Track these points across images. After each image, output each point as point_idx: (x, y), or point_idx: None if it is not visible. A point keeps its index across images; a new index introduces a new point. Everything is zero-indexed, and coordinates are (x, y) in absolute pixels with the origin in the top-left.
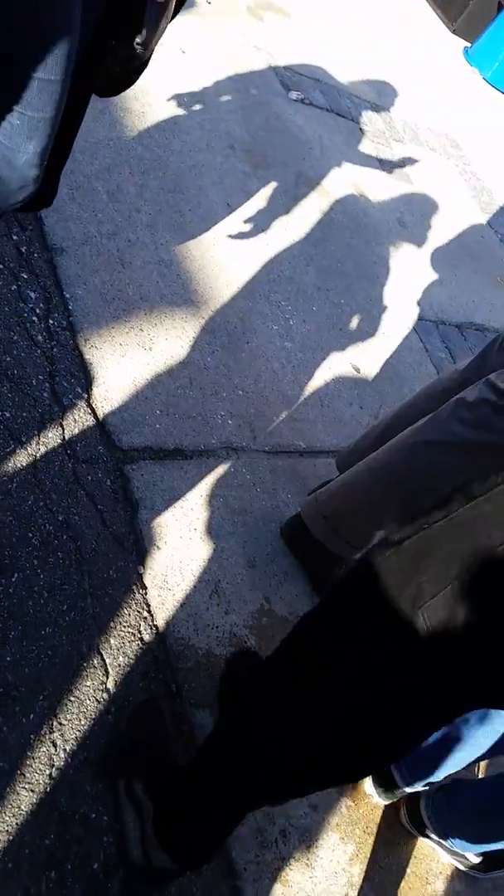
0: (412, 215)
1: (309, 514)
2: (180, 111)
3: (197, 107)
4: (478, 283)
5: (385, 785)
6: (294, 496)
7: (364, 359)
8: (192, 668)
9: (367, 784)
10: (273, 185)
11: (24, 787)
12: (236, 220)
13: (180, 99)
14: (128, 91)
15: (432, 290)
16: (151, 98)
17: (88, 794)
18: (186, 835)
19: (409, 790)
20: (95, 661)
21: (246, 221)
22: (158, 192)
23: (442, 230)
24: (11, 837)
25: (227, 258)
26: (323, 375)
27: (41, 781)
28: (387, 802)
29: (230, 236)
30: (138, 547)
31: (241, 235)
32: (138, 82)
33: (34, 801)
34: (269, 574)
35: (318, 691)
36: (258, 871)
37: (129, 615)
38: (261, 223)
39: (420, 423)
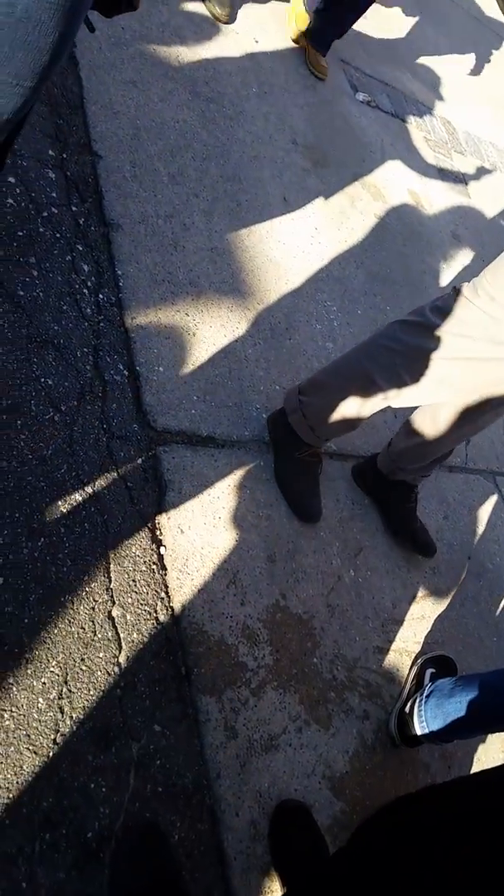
0: (466, 228)
1: (290, 390)
2: (248, 100)
3: (264, 98)
4: None
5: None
6: (323, 498)
7: None
8: (203, 652)
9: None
10: (331, 184)
11: (27, 748)
12: (291, 216)
13: (249, 88)
14: (199, 74)
15: None
16: (220, 84)
17: (90, 764)
18: None
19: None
20: (110, 635)
21: (301, 218)
22: (218, 180)
23: (495, 246)
24: (10, 795)
25: (278, 253)
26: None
27: (45, 745)
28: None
29: (284, 231)
30: (162, 528)
31: (295, 232)
32: (210, 69)
33: (36, 763)
34: (287, 571)
35: None
36: (248, 863)
37: (147, 593)
38: (315, 221)
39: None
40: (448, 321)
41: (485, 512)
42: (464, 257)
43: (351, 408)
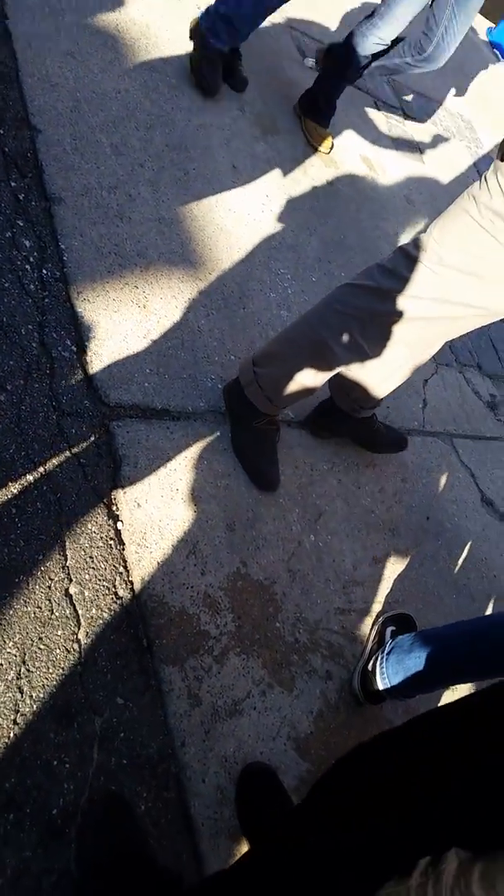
0: (420, 193)
1: (244, 361)
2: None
3: None
4: None
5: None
6: (282, 465)
7: None
8: (164, 624)
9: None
10: (281, 151)
11: None
12: (241, 184)
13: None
14: (140, 43)
15: None
16: (163, 53)
17: (52, 741)
18: None
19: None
20: (68, 612)
21: (251, 185)
22: (163, 149)
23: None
24: None
25: (229, 221)
26: None
27: (5, 726)
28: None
29: (234, 199)
30: (118, 503)
31: (245, 199)
32: (152, 36)
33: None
34: (247, 539)
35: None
36: (215, 827)
37: (105, 569)
38: (266, 189)
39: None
40: (398, 283)
41: (442, 473)
42: (418, 222)
43: (307, 376)
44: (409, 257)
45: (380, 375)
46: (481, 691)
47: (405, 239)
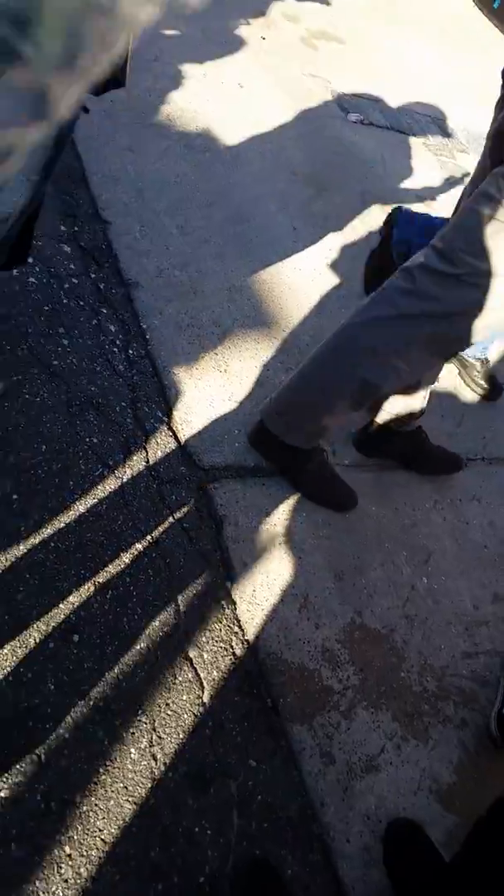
0: None
1: (267, 413)
2: (241, 144)
3: (257, 138)
4: None
5: None
6: (378, 507)
7: None
8: (285, 681)
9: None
10: (338, 204)
11: (127, 801)
12: (302, 243)
13: (241, 132)
14: (191, 128)
15: None
16: (213, 133)
17: (191, 808)
18: None
19: None
20: (190, 676)
21: (312, 243)
22: (224, 224)
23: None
24: (117, 850)
25: (296, 279)
26: None
27: (143, 795)
28: None
29: (297, 258)
30: (225, 563)
31: (309, 256)
32: (201, 121)
33: (138, 813)
34: (357, 588)
35: None
36: (366, 891)
37: (220, 630)
38: (327, 243)
39: (364, 302)
40: (429, 303)
41: None
42: None
43: (349, 412)
44: (434, 273)
45: (421, 392)
46: None
47: None
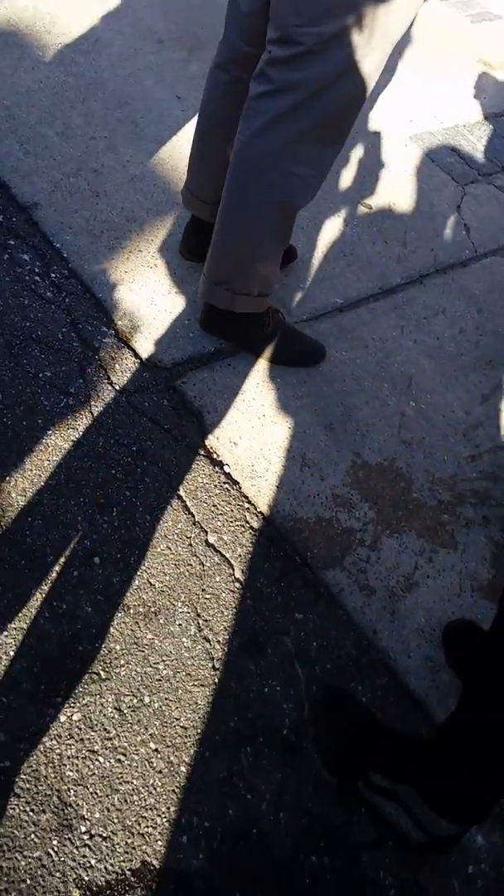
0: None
1: (206, 291)
2: (95, 28)
3: (110, 17)
4: (456, 74)
5: None
6: (348, 351)
7: (372, 193)
8: (308, 536)
9: None
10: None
11: (193, 685)
12: (191, 108)
13: (90, 16)
14: (38, 28)
15: (416, 101)
16: (63, 26)
17: (255, 672)
18: (465, 801)
19: None
20: (216, 559)
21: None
22: (105, 114)
23: (420, 46)
24: (199, 731)
25: None
26: (336, 226)
27: (207, 675)
28: None
29: (190, 126)
30: (216, 449)
31: None
32: (45, 15)
33: (207, 693)
34: (350, 431)
35: None
36: (439, 694)
37: (232, 510)
38: None
39: (239, 127)
40: (298, 91)
41: None
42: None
43: (278, 244)
44: (283, 61)
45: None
46: None
47: (378, 85)
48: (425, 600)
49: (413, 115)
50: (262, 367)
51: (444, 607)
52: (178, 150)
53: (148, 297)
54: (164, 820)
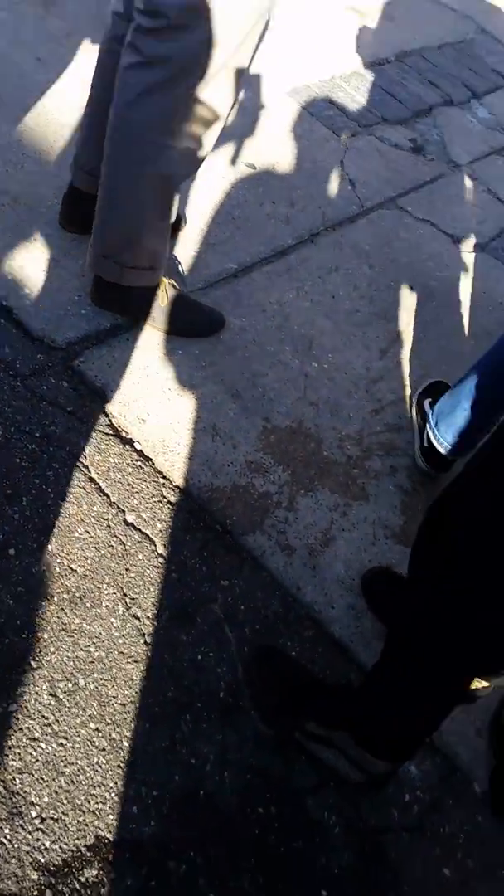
0: None
1: (94, 264)
2: None
3: None
4: (327, 24)
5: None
6: (247, 317)
7: (254, 152)
8: (225, 505)
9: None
10: (74, 13)
11: (127, 662)
12: (54, 71)
13: None
14: None
15: (287, 60)
16: None
17: (187, 641)
18: (396, 741)
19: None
20: (137, 537)
21: (64, 65)
22: None
23: None
24: (138, 705)
25: (65, 111)
26: (222, 189)
27: (140, 651)
28: None
29: (58, 88)
30: (123, 428)
31: (67, 81)
32: None
33: (142, 668)
34: (256, 397)
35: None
36: (364, 638)
37: (148, 487)
38: (80, 58)
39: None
40: (168, 64)
41: (404, 240)
42: None
43: (162, 227)
44: (151, 31)
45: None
46: None
47: None
48: (343, 552)
49: (288, 69)
50: (162, 340)
51: (362, 557)
52: (46, 116)
53: (33, 277)
54: (113, 794)
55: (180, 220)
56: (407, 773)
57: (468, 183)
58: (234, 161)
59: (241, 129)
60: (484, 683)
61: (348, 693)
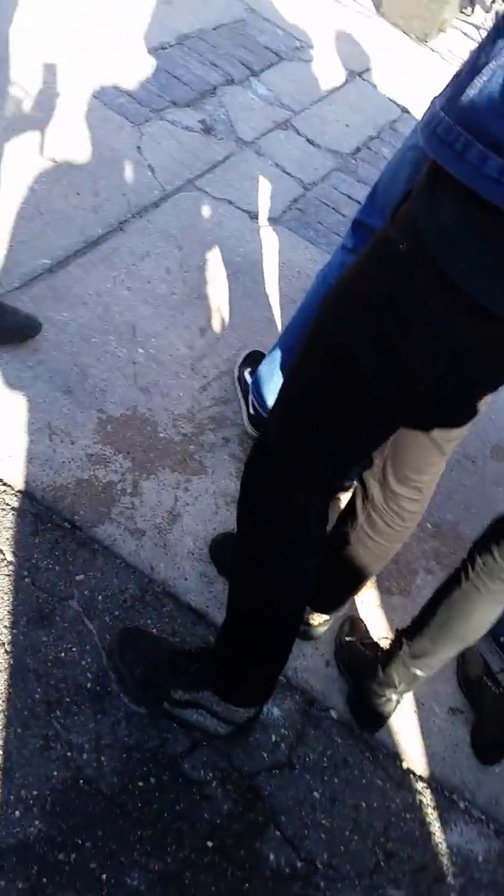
0: None
1: None
2: None
3: None
4: (113, 5)
5: None
6: (69, 312)
7: (53, 145)
8: (71, 501)
9: None
10: None
11: None
12: None
13: None
14: None
15: (72, 51)
16: None
17: (48, 641)
18: (252, 685)
19: None
20: None
21: None
22: None
23: None
24: (7, 712)
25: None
26: (24, 184)
27: (2, 659)
28: None
29: None
30: None
31: None
32: None
33: (6, 676)
34: (88, 390)
35: None
36: (219, 601)
37: None
38: None
39: None
40: None
41: (204, 220)
42: (30, 12)
43: None
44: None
45: None
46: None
47: (30, 30)
48: (190, 526)
49: (71, 56)
50: None
51: (207, 527)
52: None
53: None
54: None
55: None
56: (271, 716)
57: (256, 159)
58: (31, 153)
59: (36, 121)
60: (324, 617)
61: (205, 653)
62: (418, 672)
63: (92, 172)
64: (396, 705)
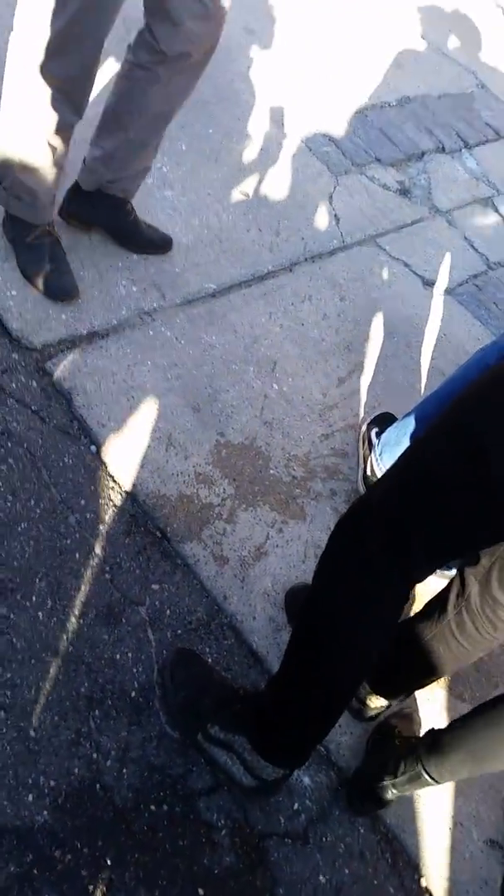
0: (258, 20)
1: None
2: None
3: None
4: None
5: None
6: (218, 336)
7: (250, 181)
8: (168, 512)
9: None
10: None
11: (45, 655)
12: None
13: None
14: None
15: (296, 95)
16: None
17: (108, 641)
18: (288, 746)
19: None
20: (78, 536)
21: None
22: None
23: (290, 32)
24: (49, 698)
25: None
26: (212, 212)
27: (62, 647)
28: None
29: None
30: (84, 430)
31: None
32: None
33: (60, 663)
34: (215, 412)
35: None
36: (279, 651)
37: (96, 489)
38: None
39: None
40: None
41: (376, 277)
42: (263, 53)
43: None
44: None
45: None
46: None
47: (260, 74)
48: (273, 567)
49: (293, 100)
50: (132, 349)
51: (290, 573)
52: None
53: (19, 277)
54: (11, 781)
55: (169, 241)
56: (299, 783)
57: (446, 228)
58: (229, 186)
59: (241, 157)
60: (383, 703)
61: (252, 697)
62: (426, 775)
63: (279, 212)
64: (392, 798)
